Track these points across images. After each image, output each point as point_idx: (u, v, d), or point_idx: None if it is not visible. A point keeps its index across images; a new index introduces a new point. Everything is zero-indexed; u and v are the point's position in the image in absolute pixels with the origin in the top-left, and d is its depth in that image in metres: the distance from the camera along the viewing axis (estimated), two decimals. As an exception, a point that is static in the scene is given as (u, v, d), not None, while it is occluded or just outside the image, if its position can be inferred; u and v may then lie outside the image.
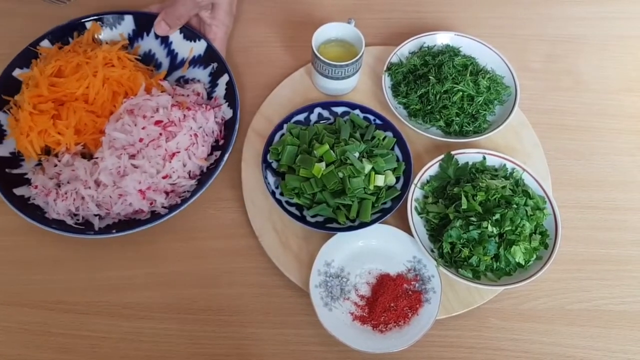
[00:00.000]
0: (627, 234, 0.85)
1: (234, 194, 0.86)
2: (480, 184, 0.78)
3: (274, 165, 0.85)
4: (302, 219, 0.80)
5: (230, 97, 0.87)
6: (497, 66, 0.93)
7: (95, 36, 0.93)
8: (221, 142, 0.86)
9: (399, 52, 0.94)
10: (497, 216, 0.75)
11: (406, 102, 0.91)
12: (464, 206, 0.76)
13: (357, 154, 0.81)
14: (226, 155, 0.82)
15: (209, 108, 0.86)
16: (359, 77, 0.94)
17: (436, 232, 0.79)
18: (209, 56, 0.91)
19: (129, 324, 0.77)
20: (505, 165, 0.83)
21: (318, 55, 0.86)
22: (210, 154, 0.85)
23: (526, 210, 0.76)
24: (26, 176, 0.82)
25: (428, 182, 0.83)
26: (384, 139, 0.86)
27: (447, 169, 0.83)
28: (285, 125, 0.87)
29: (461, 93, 0.87)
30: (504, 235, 0.75)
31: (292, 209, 0.81)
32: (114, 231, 0.76)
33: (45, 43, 0.90)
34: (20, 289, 0.79)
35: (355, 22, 0.92)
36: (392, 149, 0.86)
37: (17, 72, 0.88)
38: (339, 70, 0.87)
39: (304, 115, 0.89)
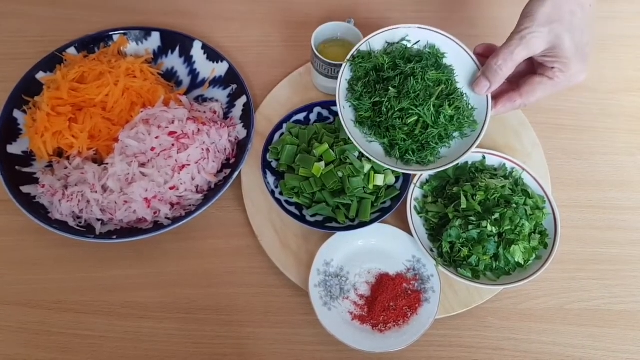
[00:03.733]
0: (626, 234, 0.85)
1: (233, 193, 0.85)
2: (479, 183, 0.77)
3: (274, 164, 0.85)
4: (301, 218, 0.80)
5: (246, 118, 0.88)
6: (467, 71, 0.77)
7: (121, 49, 0.94)
8: (232, 160, 0.86)
9: (373, 40, 0.77)
10: (497, 215, 0.74)
11: (357, 105, 0.77)
12: (464, 205, 0.76)
13: (356, 154, 0.81)
14: (235, 174, 0.82)
15: (224, 126, 0.86)
16: (359, 76, 0.93)
17: (435, 232, 0.79)
18: (230, 78, 0.92)
19: (128, 324, 0.77)
20: (504, 164, 0.83)
21: (318, 54, 0.86)
22: (220, 171, 0.85)
23: (525, 210, 0.76)
24: (35, 175, 0.83)
25: (428, 181, 0.83)
26: (383, 138, 0.86)
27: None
28: (284, 125, 0.87)
29: (417, 117, 0.74)
30: (504, 234, 0.75)
31: (292, 209, 0.81)
32: (114, 237, 0.76)
33: (72, 50, 0.92)
34: (19, 288, 0.79)
35: (354, 22, 0.92)
36: (392, 148, 0.86)
37: (40, 75, 0.89)
38: (338, 70, 0.87)
39: (304, 114, 0.89)
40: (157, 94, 0.88)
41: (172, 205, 0.81)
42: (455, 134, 0.77)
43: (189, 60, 0.95)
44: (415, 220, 0.79)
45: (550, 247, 0.77)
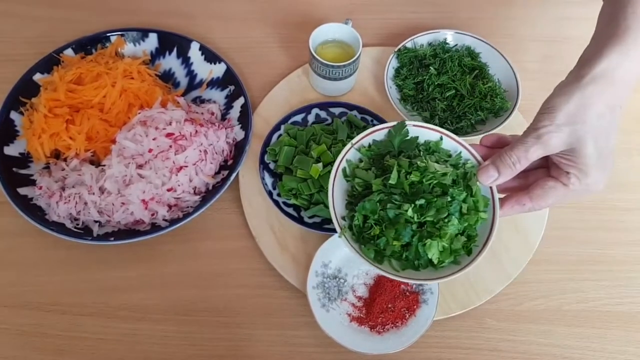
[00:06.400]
0: (623, 235, 0.85)
1: (231, 195, 0.85)
2: (419, 163, 0.65)
3: (271, 166, 0.85)
4: (299, 219, 0.80)
5: (244, 119, 0.88)
6: (501, 70, 0.93)
7: (119, 50, 0.94)
8: (230, 162, 0.86)
9: (417, 40, 0.95)
10: (422, 202, 0.63)
11: (402, 85, 0.92)
12: (392, 181, 0.64)
13: (354, 155, 0.81)
14: (233, 175, 0.82)
15: (222, 127, 0.86)
16: (356, 77, 0.94)
17: (356, 201, 0.67)
18: (228, 79, 0.92)
19: (125, 326, 0.76)
20: (460, 153, 0.69)
21: (315, 56, 0.86)
22: (218, 172, 0.85)
23: (461, 207, 0.64)
24: (32, 177, 0.83)
25: (369, 146, 0.71)
26: (381, 139, 0.86)
27: (395, 137, 0.70)
28: (282, 126, 0.87)
29: (454, 91, 0.88)
30: (425, 225, 0.64)
31: (290, 210, 0.81)
32: (111, 239, 0.76)
33: (69, 52, 0.92)
34: (16, 290, 0.78)
35: (352, 23, 0.92)
36: (390, 149, 0.86)
37: (37, 77, 0.89)
38: (336, 71, 0.87)
39: (302, 116, 0.89)
40: (155, 95, 0.88)
41: (170, 206, 0.81)
42: (489, 114, 0.88)
43: (186, 61, 0.94)
44: (339, 183, 0.68)
45: (474, 256, 0.63)
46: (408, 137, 0.70)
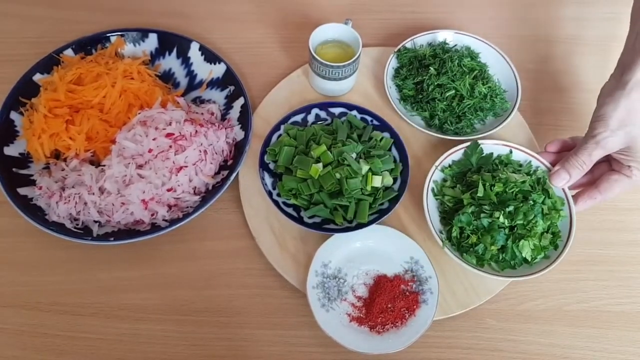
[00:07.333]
0: (624, 235, 0.85)
1: (231, 194, 0.85)
2: (500, 175, 0.77)
3: (271, 166, 0.85)
4: (299, 219, 0.80)
5: (244, 120, 0.87)
6: (501, 70, 0.93)
7: (119, 50, 0.94)
8: (230, 162, 0.86)
9: (417, 40, 0.96)
10: (511, 208, 0.74)
11: (401, 85, 0.92)
12: (480, 194, 0.76)
13: (354, 155, 0.81)
14: (233, 176, 0.82)
15: (222, 127, 0.86)
16: (356, 78, 0.94)
17: (449, 216, 0.79)
18: (227, 79, 0.92)
19: (125, 326, 0.76)
20: (530, 162, 0.82)
21: (315, 56, 0.86)
22: (218, 172, 0.85)
23: (542, 209, 0.75)
24: (32, 177, 0.83)
25: (450, 166, 0.83)
26: (381, 140, 0.86)
27: (471, 156, 0.82)
28: (282, 126, 0.87)
29: (454, 91, 0.88)
30: (515, 228, 0.74)
31: (289, 210, 0.81)
32: (111, 239, 0.76)
33: (69, 52, 0.92)
34: (16, 290, 0.78)
35: (352, 23, 0.92)
36: (390, 150, 0.86)
37: (37, 77, 0.89)
38: (336, 71, 0.87)
39: (301, 116, 0.89)
40: (155, 96, 0.88)
41: (170, 207, 0.81)
42: (489, 114, 0.90)
43: (186, 61, 0.95)
44: (430, 202, 0.79)
45: (561, 249, 0.75)
46: (484, 154, 0.83)
